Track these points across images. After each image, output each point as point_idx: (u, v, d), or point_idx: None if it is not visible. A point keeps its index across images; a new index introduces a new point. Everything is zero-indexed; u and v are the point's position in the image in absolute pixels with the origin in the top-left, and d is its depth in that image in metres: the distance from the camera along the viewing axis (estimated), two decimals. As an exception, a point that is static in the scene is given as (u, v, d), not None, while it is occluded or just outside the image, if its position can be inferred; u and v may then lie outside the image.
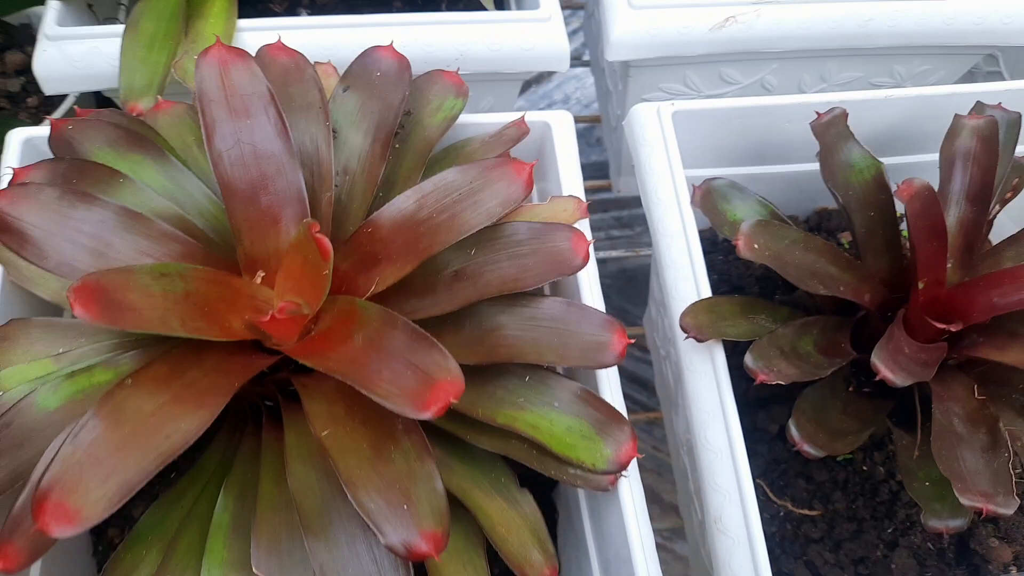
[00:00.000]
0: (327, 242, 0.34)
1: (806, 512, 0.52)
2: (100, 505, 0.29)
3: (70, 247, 0.36)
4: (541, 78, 1.12)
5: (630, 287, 0.91)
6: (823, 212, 0.63)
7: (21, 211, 0.36)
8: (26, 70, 0.69)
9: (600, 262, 0.98)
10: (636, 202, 0.80)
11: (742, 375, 0.55)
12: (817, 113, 0.48)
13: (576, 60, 1.05)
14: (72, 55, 0.53)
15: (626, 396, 0.89)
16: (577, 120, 0.94)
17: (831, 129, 0.46)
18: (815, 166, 0.48)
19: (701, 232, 0.64)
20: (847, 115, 0.47)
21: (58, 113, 0.63)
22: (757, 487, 0.52)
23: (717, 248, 0.63)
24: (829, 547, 0.51)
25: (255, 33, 0.52)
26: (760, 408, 0.55)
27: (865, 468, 0.52)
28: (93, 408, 0.31)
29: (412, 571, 0.33)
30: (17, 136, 0.48)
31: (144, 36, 0.51)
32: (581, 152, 1.05)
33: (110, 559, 0.36)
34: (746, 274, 0.60)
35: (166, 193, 0.41)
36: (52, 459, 0.30)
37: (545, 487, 0.51)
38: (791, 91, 0.66)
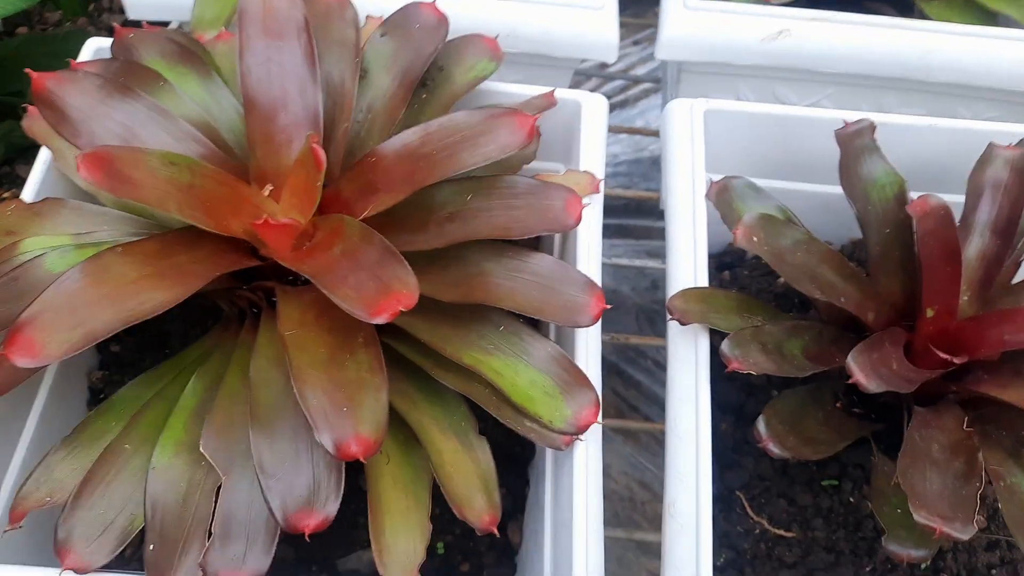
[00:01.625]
0: (322, 152, 0.36)
1: (782, 533, 0.50)
2: (63, 346, 0.31)
3: (101, 130, 0.39)
4: (625, 103, 1.13)
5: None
6: (858, 242, 0.61)
7: (65, 92, 0.40)
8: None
9: (651, 289, 0.98)
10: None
11: (741, 388, 0.54)
12: (845, 122, 0.47)
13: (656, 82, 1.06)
14: (158, -15, 0.58)
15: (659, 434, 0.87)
16: (645, 132, 0.95)
17: (857, 139, 0.46)
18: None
19: (729, 246, 0.63)
20: (874, 127, 0.46)
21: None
22: (736, 499, 0.51)
23: (744, 263, 0.62)
24: (802, 574, 0.49)
25: (322, -14, 0.55)
26: (754, 421, 0.54)
27: (852, 500, 0.50)
28: (81, 264, 0.34)
29: (344, 474, 0.34)
30: (92, 44, 0.52)
31: (222, -25, 0.55)
32: (651, 179, 1.05)
33: (81, 422, 0.39)
34: (766, 290, 0.59)
35: (202, 104, 0.44)
36: (35, 300, 0.32)
37: (522, 462, 0.52)
38: (846, 120, 0.65)
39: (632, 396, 0.91)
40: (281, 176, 0.41)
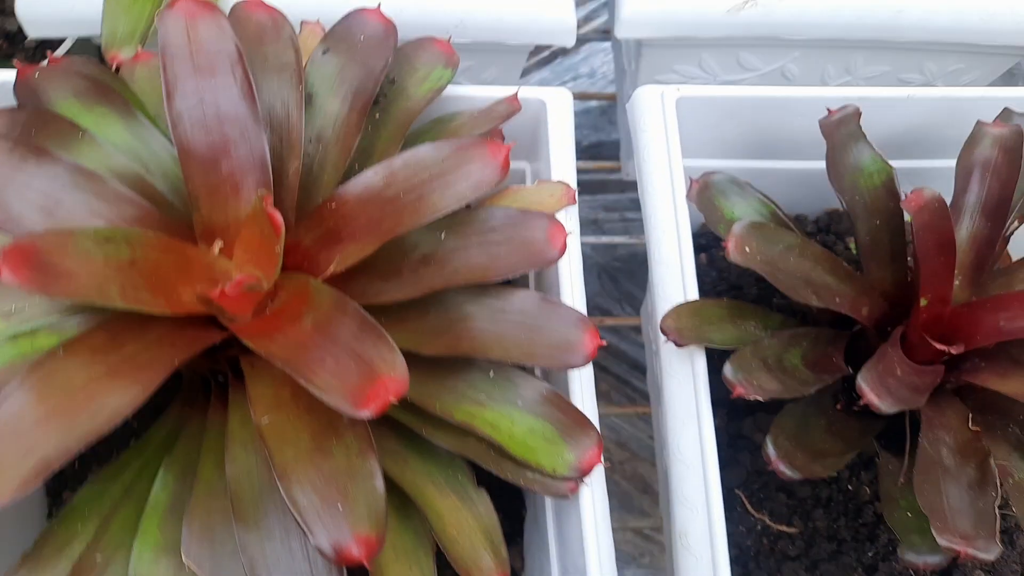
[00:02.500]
0: (279, 217, 0.32)
1: (784, 528, 0.50)
2: (14, 484, 0.27)
3: (18, 202, 0.35)
4: (568, 49, 1.08)
5: (642, 271, 0.88)
6: (833, 213, 0.59)
7: (-31, 162, 0.34)
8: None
9: (611, 246, 0.96)
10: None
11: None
12: (829, 110, 0.44)
13: (604, 33, 1.01)
14: (58, -4, 0.51)
15: (627, 383, 0.87)
16: (598, 97, 0.92)
17: (841, 128, 0.43)
18: (827, 164, 0.45)
19: (704, 225, 0.61)
20: (860, 114, 0.44)
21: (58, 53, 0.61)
22: (735, 497, 0.50)
23: (721, 244, 0.60)
24: (805, 566, 0.49)
25: (246, -14, 0.50)
26: (747, 415, 0.52)
27: (850, 487, 0.50)
28: (19, 378, 0.30)
29: (345, 573, 0.32)
30: (-10, 79, 0.46)
31: (130, -18, 0.49)
32: (601, 130, 1.02)
33: (42, 532, 0.35)
34: (746, 272, 0.57)
35: (129, 151, 0.39)
36: (-30, 430, 0.28)
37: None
38: (813, 81, 0.62)
39: (600, 354, 0.90)
40: (231, 229, 0.37)
